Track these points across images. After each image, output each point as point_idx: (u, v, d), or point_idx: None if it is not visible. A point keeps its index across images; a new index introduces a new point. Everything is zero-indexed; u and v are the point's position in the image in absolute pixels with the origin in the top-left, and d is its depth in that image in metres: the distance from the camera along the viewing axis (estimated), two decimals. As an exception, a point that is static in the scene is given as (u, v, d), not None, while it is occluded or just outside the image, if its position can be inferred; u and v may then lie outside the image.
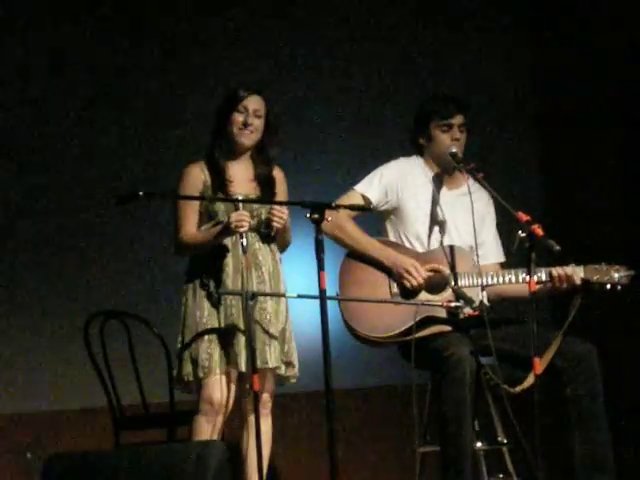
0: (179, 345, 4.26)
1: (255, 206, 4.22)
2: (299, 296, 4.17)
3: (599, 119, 5.81)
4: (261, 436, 3.97)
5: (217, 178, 4.27)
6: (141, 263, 5.70)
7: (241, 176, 4.30)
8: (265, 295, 4.18)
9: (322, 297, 3.78)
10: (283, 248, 4.36)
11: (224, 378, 4.19)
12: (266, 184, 4.30)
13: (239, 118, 4.26)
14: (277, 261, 4.32)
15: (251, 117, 4.26)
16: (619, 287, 4.19)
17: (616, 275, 4.20)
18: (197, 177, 4.28)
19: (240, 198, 4.14)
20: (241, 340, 4.16)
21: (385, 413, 5.71)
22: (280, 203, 4.24)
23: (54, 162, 5.64)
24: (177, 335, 4.28)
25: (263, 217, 4.26)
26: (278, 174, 4.37)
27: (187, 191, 4.26)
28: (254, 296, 4.04)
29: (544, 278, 4.19)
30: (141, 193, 3.87)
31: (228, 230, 4.13)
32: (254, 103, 4.29)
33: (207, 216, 4.28)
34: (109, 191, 5.49)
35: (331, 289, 4.02)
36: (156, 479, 3.69)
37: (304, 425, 5.54)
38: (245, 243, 4.11)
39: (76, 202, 5.67)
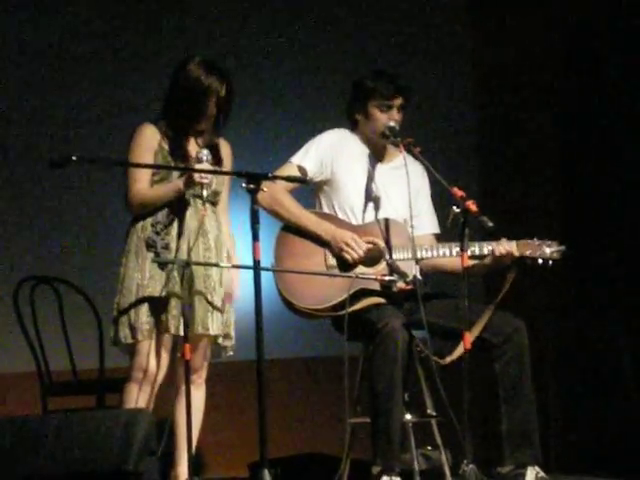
0: (116, 306, 4.20)
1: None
2: (233, 266, 4.14)
3: (536, 91, 5.83)
4: (191, 405, 3.95)
5: (174, 143, 4.21)
6: (73, 228, 5.65)
7: (196, 145, 4.25)
8: (197, 265, 4.14)
9: (256, 268, 3.77)
10: None
11: (157, 345, 4.16)
12: (214, 151, 4.25)
13: (213, 110, 4.19)
14: (221, 230, 4.28)
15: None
16: (551, 262, 4.24)
17: (548, 250, 4.24)
18: (152, 137, 4.21)
19: (186, 166, 4.09)
20: (179, 306, 4.13)
21: (317, 384, 5.73)
22: (218, 172, 4.19)
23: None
24: (115, 296, 4.21)
25: (213, 187, 4.19)
26: (226, 148, 4.33)
27: (141, 149, 4.18)
28: (188, 265, 4.01)
29: (477, 252, 4.21)
30: (74, 157, 3.85)
31: (190, 181, 4.07)
32: (223, 90, 4.20)
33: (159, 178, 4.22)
34: (40, 153, 5.45)
35: (266, 260, 4.01)
36: (83, 446, 3.67)
37: (235, 395, 5.54)
38: (206, 194, 4.06)
39: (9, 165, 5.59)
